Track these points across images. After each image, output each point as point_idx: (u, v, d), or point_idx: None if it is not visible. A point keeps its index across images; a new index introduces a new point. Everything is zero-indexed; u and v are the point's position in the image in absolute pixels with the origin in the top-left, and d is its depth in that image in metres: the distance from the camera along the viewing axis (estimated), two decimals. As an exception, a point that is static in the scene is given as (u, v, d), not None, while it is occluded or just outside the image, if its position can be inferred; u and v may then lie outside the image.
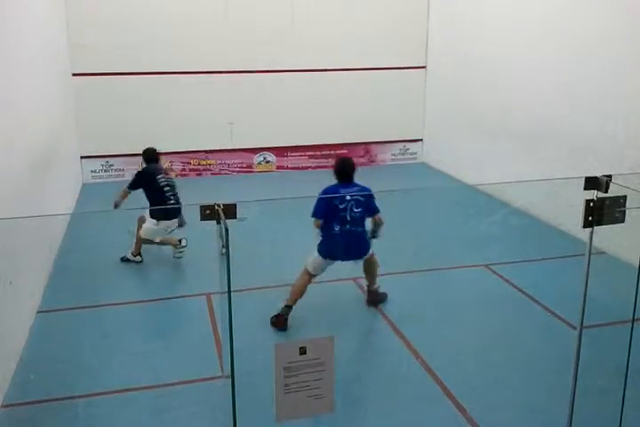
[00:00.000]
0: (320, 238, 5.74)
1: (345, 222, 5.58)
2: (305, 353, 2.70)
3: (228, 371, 2.70)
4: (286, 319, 5.63)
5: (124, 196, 7.05)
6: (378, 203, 5.81)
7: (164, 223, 6.97)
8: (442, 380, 4.86)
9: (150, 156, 7.28)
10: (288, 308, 5.69)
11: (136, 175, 7.21)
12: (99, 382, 4.83)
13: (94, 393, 4.70)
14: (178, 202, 7.06)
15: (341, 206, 5.56)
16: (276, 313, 5.68)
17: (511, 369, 5.03)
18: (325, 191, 5.73)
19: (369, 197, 5.67)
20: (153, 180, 7.01)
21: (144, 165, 7.34)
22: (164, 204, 6.97)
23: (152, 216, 6.95)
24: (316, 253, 5.75)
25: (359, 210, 5.60)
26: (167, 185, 7.08)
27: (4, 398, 4.60)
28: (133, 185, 7.07)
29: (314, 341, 2.73)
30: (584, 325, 3.06)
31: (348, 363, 4.98)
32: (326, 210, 5.58)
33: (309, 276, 5.78)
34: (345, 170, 5.79)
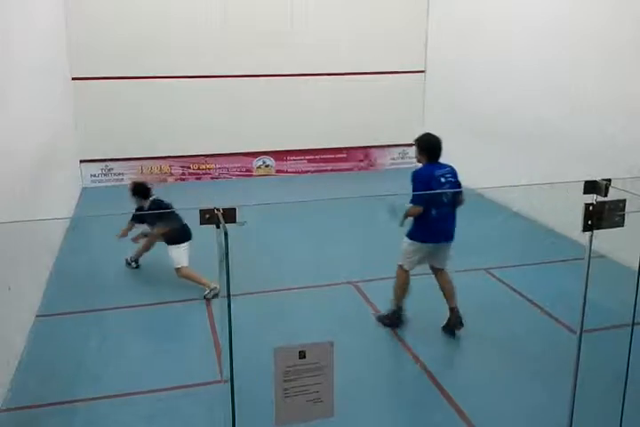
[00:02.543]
0: (414, 225, 5.43)
1: (442, 205, 5.33)
2: (304, 357, 2.70)
3: (227, 375, 2.69)
4: (399, 318, 5.68)
5: (129, 229, 6.89)
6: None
7: (184, 245, 6.67)
8: (441, 384, 4.85)
9: (146, 191, 6.82)
10: (399, 309, 5.69)
11: (150, 208, 6.71)
12: (98, 387, 4.83)
13: (93, 397, 4.69)
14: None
15: (439, 190, 5.29)
16: (385, 314, 5.73)
17: (511, 373, 5.02)
18: (421, 173, 5.36)
19: (457, 178, 5.44)
20: (168, 209, 6.69)
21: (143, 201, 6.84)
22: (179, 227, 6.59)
23: (173, 242, 6.64)
24: (408, 241, 5.50)
25: (450, 194, 5.35)
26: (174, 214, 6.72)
27: (3, 402, 4.59)
28: (155, 221, 6.71)
29: (313, 345, 2.72)
30: (584, 328, 3.06)
31: (348, 367, 4.97)
32: (426, 195, 5.28)
33: (406, 272, 5.62)
34: (436, 147, 5.39)
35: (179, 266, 6.59)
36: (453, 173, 5.42)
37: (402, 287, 5.64)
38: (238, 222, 2.55)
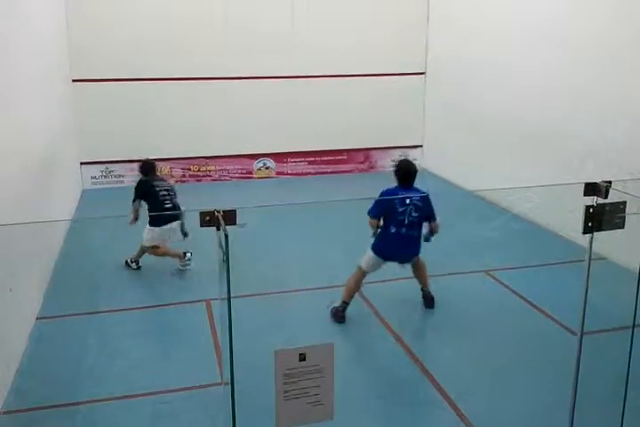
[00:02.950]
0: (376, 237, 5.86)
1: (402, 225, 5.68)
2: (304, 360, 2.69)
3: (227, 378, 2.69)
4: (344, 314, 5.88)
5: (136, 211, 7.05)
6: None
7: (159, 229, 7.00)
8: (441, 386, 4.84)
9: (146, 170, 7.31)
10: (345, 303, 5.90)
11: (135, 187, 7.24)
12: (98, 389, 4.82)
13: (94, 400, 4.69)
14: (175, 207, 7.10)
15: (400, 209, 5.67)
16: (334, 306, 5.92)
17: (511, 375, 5.02)
18: (384, 193, 5.82)
19: (428, 203, 5.75)
20: (150, 187, 7.06)
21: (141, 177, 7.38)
22: (162, 210, 7.02)
23: (150, 223, 7.01)
24: (370, 251, 5.87)
25: (417, 215, 5.70)
26: (165, 190, 7.13)
27: (3, 405, 4.58)
28: (136, 197, 7.11)
29: (313, 347, 2.72)
30: (584, 331, 3.06)
31: (348, 369, 4.97)
32: (383, 210, 5.72)
33: (362, 272, 5.93)
34: (407, 173, 5.82)
35: (144, 244, 7.06)
36: (424, 199, 5.71)
37: (354, 285, 5.96)
38: (239, 224, 2.55)
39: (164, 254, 7.19)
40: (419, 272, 6.14)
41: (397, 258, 5.91)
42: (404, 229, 5.69)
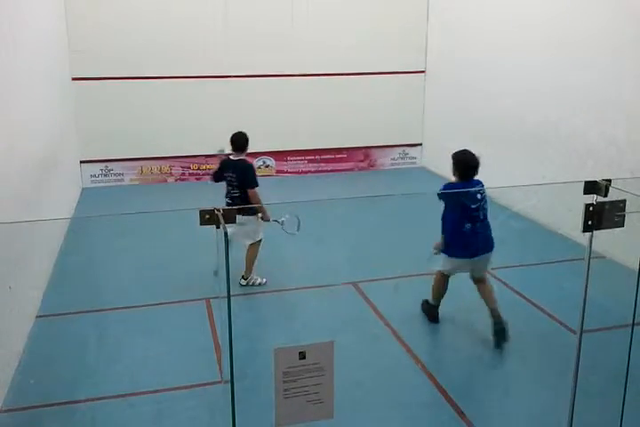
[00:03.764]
0: (447, 240, 5.49)
1: (477, 221, 5.35)
2: (304, 358, 2.69)
3: (227, 376, 2.69)
4: (436, 315, 5.77)
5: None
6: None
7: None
8: (442, 385, 4.85)
9: (236, 144, 6.46)
10: (435, 306, 5.79)
11: (253, 169, 6.51)
12: (98, 387, 4.82)
13: (94, 398, 4.69)
14: (235, 197, 6.44)
15: (473, 206, 5.29)
16: (426, 302, 5.83)
17: (511, 373, 5.02)
18: (449, 188, 5.46)
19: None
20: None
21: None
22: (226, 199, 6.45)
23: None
24: (445, 257, 5.55)
25: (487, 207, 5.39)
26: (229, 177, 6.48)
27: (3, 403, 4.59)
28: (256, 181, 6.42)
29: (313, 345, 2.72)
30: (584, 329, 3.06)
31: (348, 368, 4.97)
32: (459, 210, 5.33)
33: (443, 275, 5.67)
34: (470, 166, 5.34)
35: (258, 239, 6.46)
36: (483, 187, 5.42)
37: (439, 288, 5.72)
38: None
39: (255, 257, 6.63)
40: (487, 292, 5.60)
41: (480, 253, 5.46)
42: (478, 224, 5.35)
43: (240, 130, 6.57)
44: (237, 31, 10.69)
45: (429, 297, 5.86)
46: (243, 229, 6.18)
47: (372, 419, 4.51)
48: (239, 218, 6.01)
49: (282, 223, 6.36)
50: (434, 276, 5.75)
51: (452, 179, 5.59)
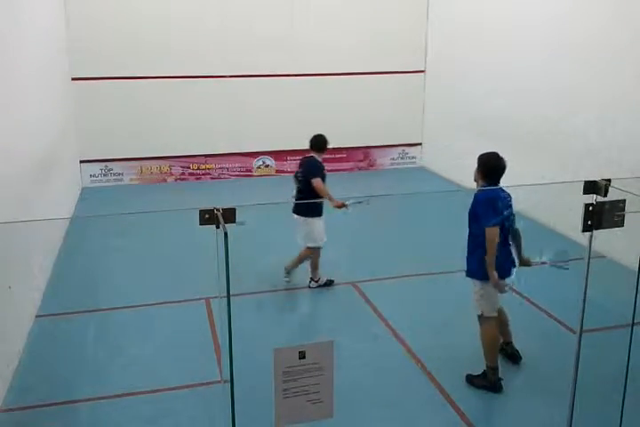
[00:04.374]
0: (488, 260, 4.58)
1: (508, 231, 4.71)
2: (304, 358, 2.70)
3: (226, 376, 2.69)
4: (500, 383, 4.72)
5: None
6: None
7: (321, 220, 6.42)
8: (442, 385, 4.85)
9: (322, 145, 6.52)
10: (494, 369, 4.74)
11: (317, 163, 6.43)
12: (98, 387, 4.82)
13: (93, 398, 4.69)
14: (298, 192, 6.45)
15: (506, 213, 4.61)
16: (477, 375, 4.83)
17: (511, 373, 5.01)
18: (490, 197, 4.64)
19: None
20: (324, 168, 6.44)
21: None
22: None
23: (318, 213, 6.30)
24: (491, 291, 4.71)
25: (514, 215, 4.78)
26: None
27: (3, 402, 4.59)
28: (319, 174, 6.34)
29: (313, 345, 2.72)
30: (584, 329, 3.06)
31: (348, 368, 4.97)
32: (500, 216, 4.54)
33: (493, 320, 4.79)
34: (498, 169, 4.74)
35: (315, 244, 6.33)
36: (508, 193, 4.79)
37: (492, 343, 4.78)
38: (238, 222, 2.55)
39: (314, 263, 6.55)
40: (505, 319, 5.08)
41: (512, 271, 4.80)
42: (509, 236, 4.72)
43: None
44: (237, 31, 10.69)
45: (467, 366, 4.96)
46: (304, 231, 6.32)
47: (371, 419, 4.51)
48: (296, 218, 6.27)
49: (358, 203, 6.30)
50: (480, 336, 4.80)
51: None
